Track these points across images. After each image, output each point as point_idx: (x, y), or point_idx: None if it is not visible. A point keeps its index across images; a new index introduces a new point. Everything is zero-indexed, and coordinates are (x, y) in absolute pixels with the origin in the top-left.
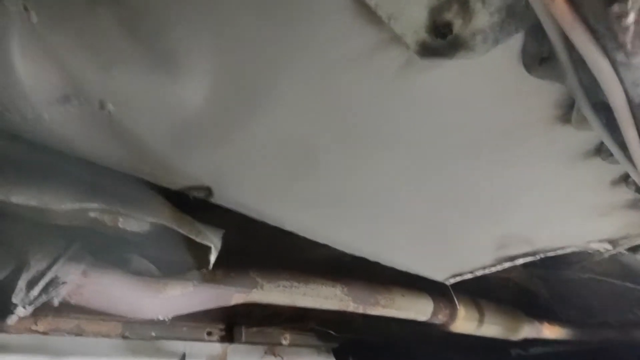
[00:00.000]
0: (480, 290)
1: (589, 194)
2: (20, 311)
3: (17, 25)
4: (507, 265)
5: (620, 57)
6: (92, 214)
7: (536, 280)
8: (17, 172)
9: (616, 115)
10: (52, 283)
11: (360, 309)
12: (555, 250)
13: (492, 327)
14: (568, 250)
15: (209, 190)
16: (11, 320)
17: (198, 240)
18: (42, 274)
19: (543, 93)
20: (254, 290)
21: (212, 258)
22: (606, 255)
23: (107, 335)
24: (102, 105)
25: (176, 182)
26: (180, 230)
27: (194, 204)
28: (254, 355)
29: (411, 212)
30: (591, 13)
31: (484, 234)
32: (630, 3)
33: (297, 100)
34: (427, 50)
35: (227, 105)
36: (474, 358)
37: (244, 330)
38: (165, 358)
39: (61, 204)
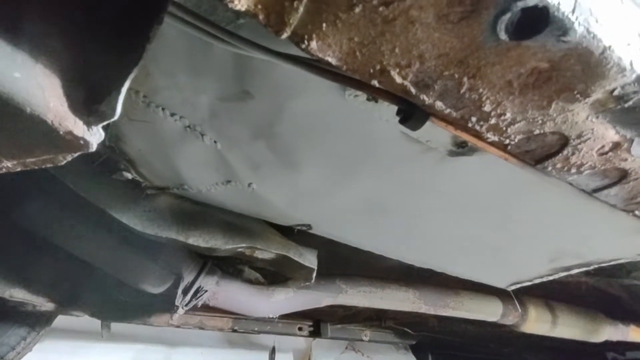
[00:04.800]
0: (554, 293)
1: (620, 217)
2: (180, 311)
3: (211, 149)
4: (563, 274)
5: None
6: (239, 249)
7: (614, 284)
8: (192, 221)
9: None
10: (199, 291)
11: (432, 311)
12: (607, 261)
13: (567, 329)
14: (622, 261)
15: (309, 226)
16: (174, 318)
17: (306, 264)
18: (191, 284)
19: None
20: (340, 295)
21: (314, 276)
22: None
23: (222, 329)
24: (249, 185)
25: (287, 222)
26: (296, 259)
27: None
28: (335, 350)
29: (468, 236)
30: None
31: (535, 251)
32: None
33: (373, 178)
34: (453, 153)
35: (326, 182)
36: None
37: (329, 326)
38: (260, 350)
39: (225, 245)
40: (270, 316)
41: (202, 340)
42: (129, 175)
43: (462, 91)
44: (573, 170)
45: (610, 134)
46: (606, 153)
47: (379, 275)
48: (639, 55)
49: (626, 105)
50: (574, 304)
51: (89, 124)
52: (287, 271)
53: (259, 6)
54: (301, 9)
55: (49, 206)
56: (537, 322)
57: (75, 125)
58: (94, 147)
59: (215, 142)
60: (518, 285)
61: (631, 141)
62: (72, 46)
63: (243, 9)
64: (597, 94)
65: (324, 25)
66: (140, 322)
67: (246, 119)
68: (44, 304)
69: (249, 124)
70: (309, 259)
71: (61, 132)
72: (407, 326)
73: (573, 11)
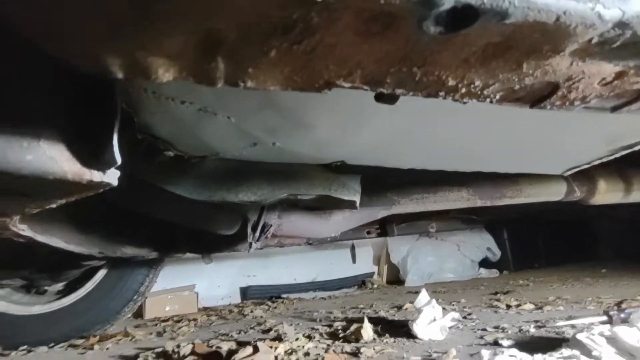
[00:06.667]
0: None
1: None
2: (254, 245)
3: (227, 123)
4: (624, 152)
5: None
6: (284, 196)
7: None
8: (238, 177)
9: None
10: (264, 226)
11: (488, 204)
12: None
13: None
14: None
15: (343, 162)
16: (250, 251)
17: (347, 199)
18: (257, 223)
19: None
20: (394, 206)
21: (357, 205)
22: None
23: (298, 244)
24: (274, 144)
25: (320, 162)
26: (336, 196)
27: None
28: (411, 237)
29: (513, 137)
30: None
31: (588, 137)
32: None
33: (392, 114)
34: None
35: (343, 129)
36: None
37: (395, 226)
38: (342, 248)
39: (271, 194)
40: (333, 235)
41: (296, 249)
42: (170, 154)
43: (417, 78)
44: (577, 103)
45: (607, 68)
46: (611, 82)
47: (432, 178)
48: (609, 1)
49: (614, 46)
50: None
51: (102, 170)
52: (331, 206)
53: (184, 73)
54: (221, 66)
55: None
56: (607, 193)
57: (92, 175)
58: (115, 183)
59: (228, 117)
60: (575, 170)
61: (637, 67)
62: (63, 120)
63: (171, 78)
64: (572, 47)
65: (250, 69)
66: (229, 251)
67: (247, 95)
68: (150, 254)
69: (252, 99)
70: (353, 188)
71: (84, 183)
72: (471, 213)
73: None
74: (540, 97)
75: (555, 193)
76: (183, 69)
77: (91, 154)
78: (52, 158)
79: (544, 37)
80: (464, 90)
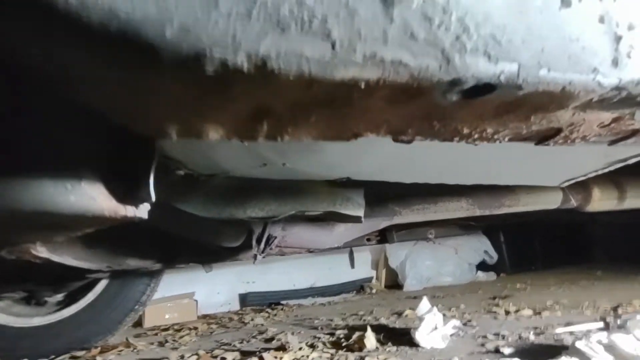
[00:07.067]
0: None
1: None
2: (259, 257)
3: (240, 146)
4: (619, 165)
5: None
6: (290, 213)
7: None
8: (246, 194)
9: None
10: (269, 238)
11: (487, 213)
12: None
13: (637, 200)
14: None
15: (348, 178)
16: (254, 262)
17: (351, 214)
18: (262, 235)
19: None
20: (395, 217)
21: (362, 219)
22: None
23: (300, 252)
24: (283, 164)
25: (326, 178)
26: (341, 212)
27: None
28: (408, 242)
29: (512, 151)
30: None
31: (587, 153)
32: None
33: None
34: None
35: (351, 152)
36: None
37: (394, 233)
38: (341, 253)
39: (278, 214)
40: (336, 245)
41: (292, 259)
42: (181, 172)
43: (436, 129)
44: (578, 141)
45: (605, 115)
46: (608, 125)
47: (432, 189)
48: (608, 72)
49: (611, 102)
50: None
51: (136, 205)
52: (336, 220)
53: (231, 134)
54: (265, 128)
55: None
56: (602, 201)
57: (126, 211)
58: (146, 217)
59: (242, 141)
60: (572, 181)
61: (632, 114)
62: (105, 162)
63: (218, 137)
64: (574, 104)
65: (290, 129)
66: (231, 261)
67: None
68: (154, 266)
69: None
70: (356, 202)
71: (118, 217)
72: (469, 219)
73: (518, 75)
74: (544, 137)
75: (551, 201)
76: (231, 131)
77: (127, 191)
78: (92, 197)
79: (550, 100)
80: (476, 136)
